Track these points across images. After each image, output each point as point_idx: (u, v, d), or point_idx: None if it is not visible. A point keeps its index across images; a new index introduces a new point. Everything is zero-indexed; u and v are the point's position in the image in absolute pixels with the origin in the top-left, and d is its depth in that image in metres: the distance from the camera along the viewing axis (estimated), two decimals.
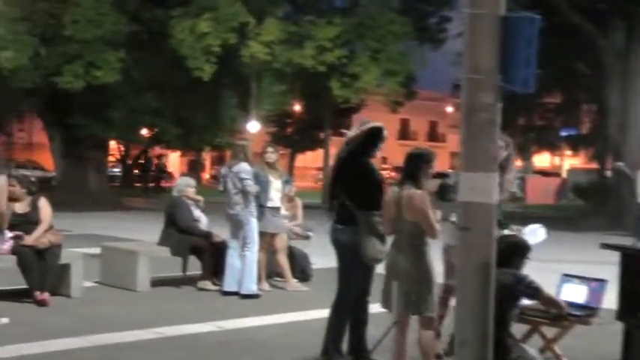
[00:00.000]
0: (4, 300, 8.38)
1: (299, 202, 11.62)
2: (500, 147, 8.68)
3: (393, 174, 44.79)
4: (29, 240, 8.61)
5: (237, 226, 9.69)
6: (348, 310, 6.28)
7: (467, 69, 4.64)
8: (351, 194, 6.11)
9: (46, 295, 8.58)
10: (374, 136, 6.17)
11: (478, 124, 4.60)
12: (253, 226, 9.62)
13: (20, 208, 8.79)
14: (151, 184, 39.83)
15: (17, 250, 8.59)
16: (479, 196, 4.58)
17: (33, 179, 9.40)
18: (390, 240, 5.96)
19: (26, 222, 8.75)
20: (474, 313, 4.59)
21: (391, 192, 5.79)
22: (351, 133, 6.29)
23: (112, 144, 40.00)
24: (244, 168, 9.58)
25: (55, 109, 26.91)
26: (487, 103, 4.57)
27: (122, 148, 44.63)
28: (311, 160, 57.37)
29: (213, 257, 10.01)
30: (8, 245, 8.54)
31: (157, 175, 42.26)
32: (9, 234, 8.54)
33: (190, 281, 10.14)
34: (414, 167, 5.73)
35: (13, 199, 8.46)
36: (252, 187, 9.51)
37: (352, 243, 6.02)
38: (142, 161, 42.18)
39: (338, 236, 6.21)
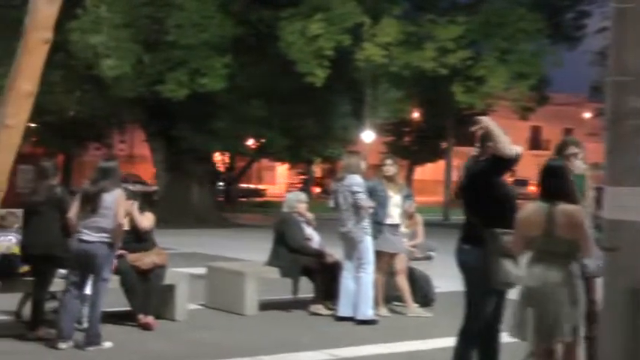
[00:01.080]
0: (107, 323, 8.64)
1: (420, 218, 11.55)
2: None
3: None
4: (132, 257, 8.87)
5: (350, 246, 9.71)
6: (477, 339, 6.19)
7: (612, 70, 4.52)
8: (479, 211, 6.03)
9: (150, 319, 8.82)
10: (509, 163, 6.04)
11: (625, 132, 4.47)
12: (367, 245, 9.61)
13: (127, 224, 9.07)
14: (221, 199, 40.45)
15: (120, 270, 8.86)
16: (627, 214, 4.44)
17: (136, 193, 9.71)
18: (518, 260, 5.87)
19: (131, 240, 9.01)
20: (622, 345, 4.45)
21: (535, 208, 5.67)
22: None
23: (216, 156, 40.78)
24: (356, 180, 9.58)
25: (158, 120, 27.66)
26: (636, 107, 4.44)
27: (226, 161, 45.51)
28: (431, 173, 57.01)
29: (327, 279, 10.06)
30: (112, 264, 8.81)
31: (227, 189, 43.00)
32: None
33: (301, 305, 10.22)
34: (563, 181, 5.66)
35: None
36: (364, 200, 9.50)
37: (480, 265, 5.93)
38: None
39: (464, 258, 6.13)
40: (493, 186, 6.04)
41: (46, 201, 8.09)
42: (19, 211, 8.28)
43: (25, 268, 8.30)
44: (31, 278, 8.26)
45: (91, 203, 7.87)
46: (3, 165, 9.92)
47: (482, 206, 6.03)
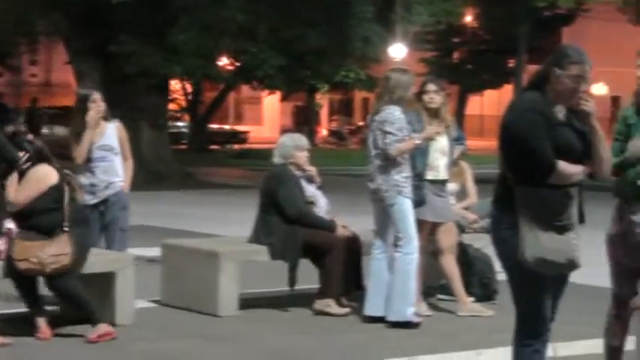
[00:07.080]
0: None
1: (466, 166, 11.39)
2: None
3: None
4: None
5: (381, 212, 9.69)
6: (526, 345, 6.18)
7: None
8: (510, 161, 6.13)
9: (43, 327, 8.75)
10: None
11: None
12: (404, 211, 9.50)
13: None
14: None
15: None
16: None
17: (37, 143, 9.55)
18: None
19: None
20: None
21: None
22: None
23: (175, 83, 40.71)
24: (391, 115, 9.50)
25: (89, 30, 27.46)
26: None
27: (190, 90, 45.48)
28: (493, 105, 56.93)
29: (339, 262, 10.05)
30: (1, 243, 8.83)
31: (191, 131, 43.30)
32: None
33: (302, 300, 10.24)
34: None
35: None
36: (392, 147, 9.38)
37: (510, 237, 5.99)
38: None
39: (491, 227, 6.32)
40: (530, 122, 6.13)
41: None
42: None
43: None
44: None
45: None
46: None
47: (515, 154, 6.09)
